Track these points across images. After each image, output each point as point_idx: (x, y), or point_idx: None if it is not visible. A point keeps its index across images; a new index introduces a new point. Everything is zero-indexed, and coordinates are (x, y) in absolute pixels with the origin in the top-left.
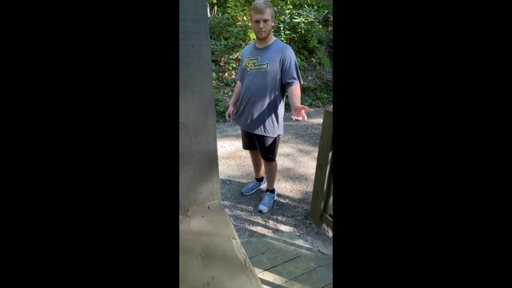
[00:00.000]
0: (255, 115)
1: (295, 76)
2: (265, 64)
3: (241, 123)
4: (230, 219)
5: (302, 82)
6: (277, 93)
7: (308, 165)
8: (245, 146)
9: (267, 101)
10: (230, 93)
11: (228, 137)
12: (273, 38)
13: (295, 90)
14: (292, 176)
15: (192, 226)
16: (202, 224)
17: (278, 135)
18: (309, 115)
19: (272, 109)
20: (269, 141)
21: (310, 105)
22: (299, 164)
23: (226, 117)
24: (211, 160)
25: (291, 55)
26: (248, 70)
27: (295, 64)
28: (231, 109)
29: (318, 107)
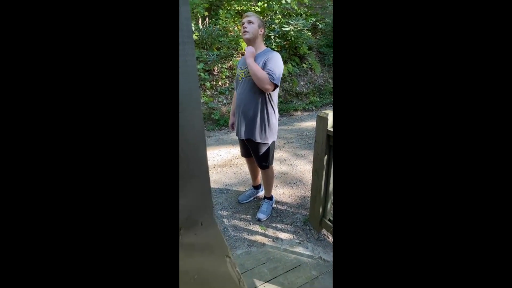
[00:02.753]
0: (247, 122)
1: (271, 69)
2: None
3: (236, 131)
4: (224, 233)
5: (277, 84)
6: (268, 99)
7: (305, 169)
8: (242, 154)
9: (258, 107)
10: (224, 101)
11: (224, 144)
12: (263, 47)
13: (264, 76)
14: (289, 181)
15: (184, 245)
16: (195, 242)
17: (273, 141)
18: (302, 119)
19: (263, 115)
20: (262, 148)
21: (303, 109)
22: (295, 169)
23: (230, 128)
24: (203, 174)
25: (274, 57)
26: (240, 79)
27: (277, 65)
28: (232, 119)
29: (312, 111)
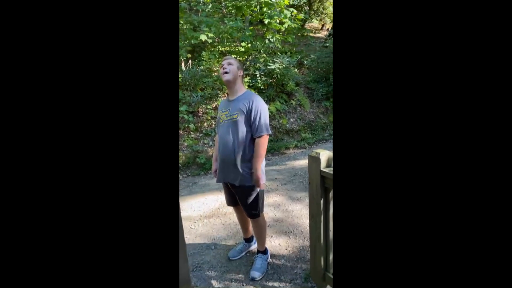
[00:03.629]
0: (231, 165)
1: (263, 129)
2: (235, 114)
3: (219, 176)
4: None
5: (270, 132)
6: (251, 141)
7: (302, 214)
8: (228, 202)
9: (242, 150)
10: (210, 143)
11: (211, 191)
12: (243, 90)
13: (258, 144)
14: (286, 230)
15: None
16: None
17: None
18: (295, 157)
19: (248, 158)
20: (249, 193)
21: (295, 147)
22: (291, 215)
23: (213, 174)
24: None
25: (258, 105)
26: (221, 121)
27: (265, 115)
28: (215, 165)
29: (304, 148)
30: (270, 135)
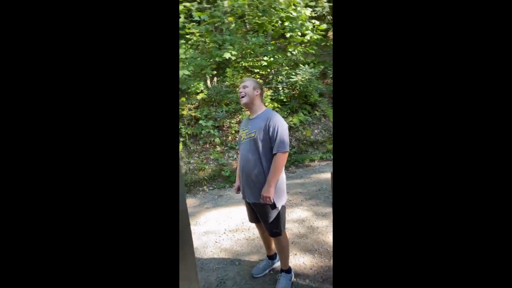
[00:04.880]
0: (251, 183)
1: (280, 146)
2: (253, 133)
3: (242, 194)
4: None
5: (288, 150)
6: (270, 159)
7: (328, 231)
8: (250, 219)
9: (261, 168)
10: (235, 156)
11: (235, 204)
12: (262, 108)
13: (275, 160)
14: (311, 248)
15: None
16: None
17: (283, 206)
18: (320, 170)
19: (267, 176)
20: (269, 212)
21: (320, 159)
22: (316, 231)
23: (235, 191)
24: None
25: (276, 123)
26: (242, 140)
27: (281, 132)
28: (238, 182)
29: (330, 160)
30: (287, 152)
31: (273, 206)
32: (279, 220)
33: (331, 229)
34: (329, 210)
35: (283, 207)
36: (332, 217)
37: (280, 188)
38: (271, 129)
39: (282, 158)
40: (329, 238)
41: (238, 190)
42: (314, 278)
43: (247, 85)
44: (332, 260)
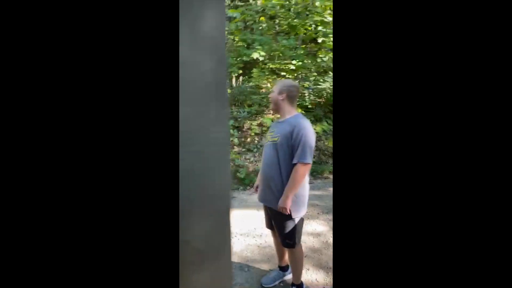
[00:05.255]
0: (269, 189)
1: (301, 157)
2: (277, 137)
3: (259, 194)
4: None
5: (310, 161)
6: (291, 168)
7: None
8: (267, 224)
9: (279, 176)
10: (252, 159)
11: (248, 208)
12: (293, 112)
13: (296, 171)
14: (325, 265)
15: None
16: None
17: (301, 218)
18: None
19: (285, 185)
20: (286, 221)
21: None
22: (332, 248)
23: (254, 189)
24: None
25: (301, 130)
26: (266, 141)
27: (306, 141)
28: (257, 182)
29: None
30: (309, 164)
31: (289, 217)
32: (295, 232)
33: None
34: None
35: (301, 220)
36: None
37: (300, 199)
38: (294, 136)
39: (302, 170)
40: None
41: (257, 189)
42: None
43: (274, 90)
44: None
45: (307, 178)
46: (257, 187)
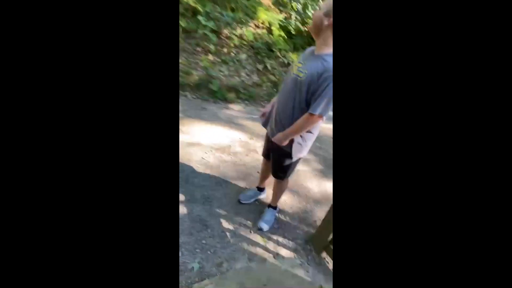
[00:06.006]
0: (280, 124)
1: (317, 109)
2: (303, 73)
3: (265, 121)
4: (222, 239)
5: (325, 115)
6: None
7: (308, 176)
8: (263, 153)
9: (295, 112)
10: (226, 73)
11: (220, 123)
12: (329, 49)
13: (304, 119)
14: (291, 189)
15: None
16: None
17: (299, 158)
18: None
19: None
20: (284, 158)
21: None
22: (297, 174)
23: (259, 115)
24: None
25: (329, 81)
26: (291, 71)
27: (328, 94)
28: (267, 109)
29: None
30: (321, 118)
31: (289, 155)
32: (289, 168)
33: (312, 175)
34: (312, 157)
35: (297, 160)
36: (312, 163)
37: (306, 143)
38: (321, 81)
39: (311, 120)
40: (308, 183)
41: (263, 115)
42: (293, 217)
43: (321, 7)
44: (307, 204)
45: (318, 126)
46: (264, 114)
